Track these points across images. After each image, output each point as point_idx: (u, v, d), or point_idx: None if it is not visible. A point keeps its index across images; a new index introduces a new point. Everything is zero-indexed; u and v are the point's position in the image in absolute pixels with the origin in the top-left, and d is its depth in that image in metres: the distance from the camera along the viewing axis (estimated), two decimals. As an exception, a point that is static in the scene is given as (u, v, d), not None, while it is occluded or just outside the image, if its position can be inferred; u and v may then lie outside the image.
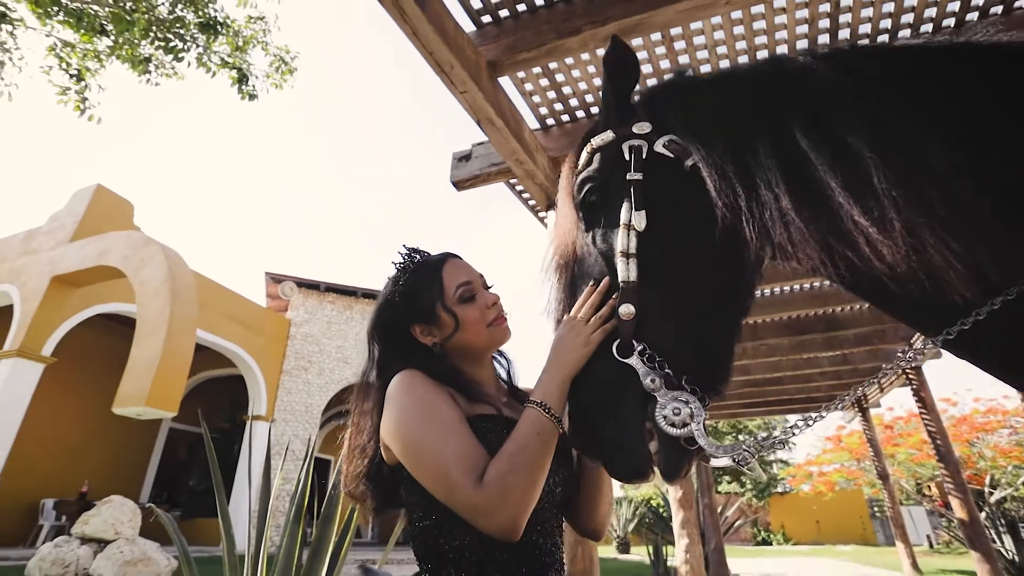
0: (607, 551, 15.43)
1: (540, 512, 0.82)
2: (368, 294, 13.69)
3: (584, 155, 0.87)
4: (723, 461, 0.64)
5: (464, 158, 5.00)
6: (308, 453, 2.21)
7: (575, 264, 0.84)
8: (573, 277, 0.84)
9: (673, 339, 0.71)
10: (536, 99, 4.36)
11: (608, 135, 0.85)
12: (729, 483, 25.48)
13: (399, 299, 0.96)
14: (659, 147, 0.78)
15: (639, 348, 0.71)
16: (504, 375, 1.03)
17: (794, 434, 0.66)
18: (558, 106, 4.43)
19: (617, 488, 21.59)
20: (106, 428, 10.77)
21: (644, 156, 0.78)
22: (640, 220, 0.74)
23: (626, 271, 0.74)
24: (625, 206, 0.76)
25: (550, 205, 4.50)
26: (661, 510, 10.19)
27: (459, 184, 4.93)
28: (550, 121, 4.56)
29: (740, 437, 27.63)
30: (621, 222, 0.75)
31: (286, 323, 12.45)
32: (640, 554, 12.21)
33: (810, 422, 0.67)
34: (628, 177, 0.78)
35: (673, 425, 0.66)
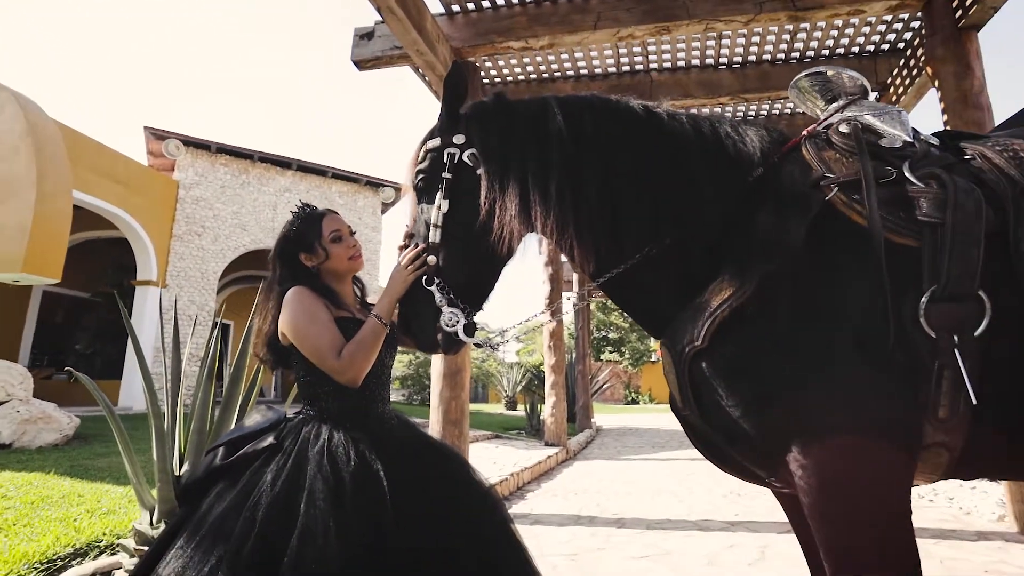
0: (496, 408, 17.55)
1: (376, 372, 1.34)
2: (265, 158, 12.90)
3: (422, 152, 1.25)
4: (477, 346, 1.19)
5: (366, 36, 4.82)
6: (216, 321, 2.56)
7: (413, 225, 1.26)
8: (411, 234, 1.27)
9: (455, 278, 1.18)
10: (441, -16, 4.25)
11: (436, 141, 1.22)
12: (611, 353, 28.85)
13: (292, 235, 1.41)
14: (465, 156, 1.17)
15: (437, 282, 1.18)
16: (359, 294, 1.53)
17: (516, 337, 1.17)
18: (464, -7, 4.35)
19: (513, 356, 23.80)
20: (-32, 288, 9.97)
21: (455, 161, 1.18)
22: (444, 205, 1.17)
23: (434, 236, 1.18)
24: (439, 194, 1.17)
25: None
26: (543, 374, 11.64)
27: (361, 64, 4.81)
28: (455, 8, 4.49)
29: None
30: (435, 205, 1.17)
31: (173, 184, 11.60)
32: (523, 410, 14.11)
33: (520, 325, 1.22)
34: (443, 175, 1.18)
35: (447, 325, 1.16)
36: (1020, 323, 0.86)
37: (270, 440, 1.20)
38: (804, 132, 1.10)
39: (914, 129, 1.06)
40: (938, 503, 4.08)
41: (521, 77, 5.60)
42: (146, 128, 11.66)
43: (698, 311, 0.98)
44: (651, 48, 5.24)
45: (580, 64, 5.44)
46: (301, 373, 1.32)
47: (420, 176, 1.22)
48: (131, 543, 2.41)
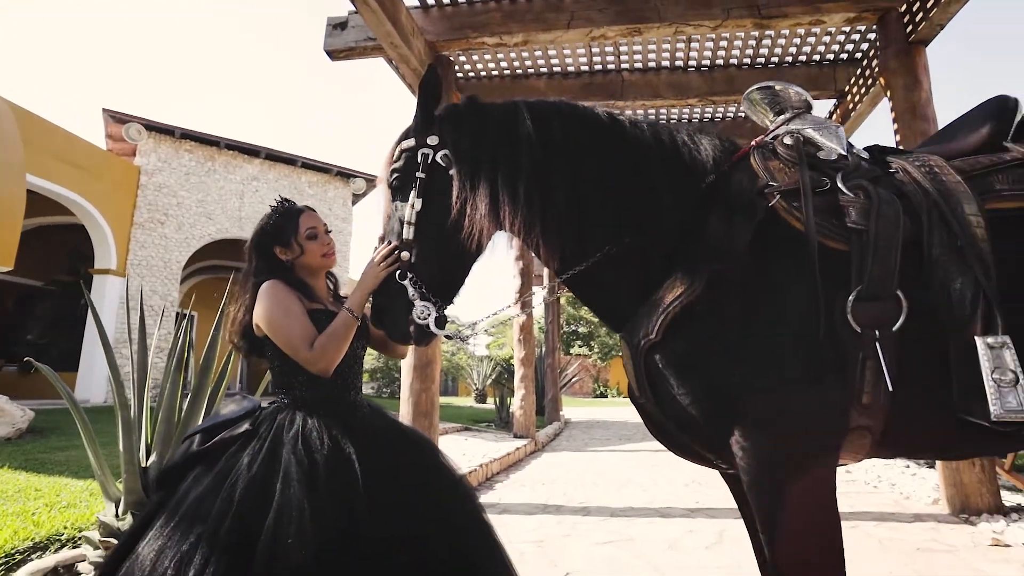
0: (467, 401, 17.60)
1: (349, 361, 1.39)
2: (232, 145, 12.57)
3: (396, 152, 1.29)
4: (448, 338, 1.25)
5: (340, 26, 4.77)
6: (185, 313, 2.55)
7: (387, 222, 1.31)
8: (385, 230, 1.31)
9: (427, 273, 1.23)
10: (417, -23, 4.25)
11: (411, 142, 1.27)
12: (580, 347, 29.19)
13: (269, 228, 1.45)
14: (438, 158, 1.22)
15: (410, 276, 1.23)
16: (332, 287, 1.58)
17: (485, 330, 1.24)
18: (439, -13, 4.36)
19: (483, 349, 23.84)
20: (-90, 274, 9.47)
21: (429, 162, 1.23)
22: (418, 203, 1.21)
23: (407, 232, 1.23)
24: (413, 192, 1.22)
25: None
26: (513, 368, 11.74)
27: (333, 54, 4.77)
28: (431, 1, 4.50)
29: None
30: (408, 202, 1.22)
31: (135, 170, 11.21)
32: (492, 403, 14.21)
33: (490, 317, 1.28)
34: (417, 174, 1.23)
35: (419, 318, 1.21)
36: (930, 319, 0.97)
37: (246, 427, 1.23)
38: (753, 142, 1.20)
39: (848, 143, 1.16)
40: (882, 489, 4.34)
41: (495, 73, 5.63)
42: (105, 111, 11.24)
43: (653, 307, 1.07)
44: (623, 49, 5.35)
45: (554, 62, 5.51)
46: (275, 363, 1.37)
47: (395, 175, 1.27)
48: (95, 535, 2.38)
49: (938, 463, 3.58)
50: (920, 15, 3.78)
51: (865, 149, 1.18)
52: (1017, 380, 0.85)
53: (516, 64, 5.52)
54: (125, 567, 1.05)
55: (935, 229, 0.98)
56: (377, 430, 1.34)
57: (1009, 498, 3.60)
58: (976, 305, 0.92)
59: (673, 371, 1.05)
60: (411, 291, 1.21)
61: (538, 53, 5.34)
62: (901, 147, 4.29)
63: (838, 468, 1.02)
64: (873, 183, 1.05)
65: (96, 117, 11.78)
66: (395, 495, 1.20)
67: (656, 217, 1.13)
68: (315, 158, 13.85)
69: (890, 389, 0.94)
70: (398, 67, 4.84)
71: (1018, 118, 1.12)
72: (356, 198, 14.83)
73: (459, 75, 5.55)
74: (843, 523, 3.25)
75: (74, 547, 2.51)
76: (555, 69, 5.63)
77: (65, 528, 2.66)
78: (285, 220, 1.45)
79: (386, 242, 1.28)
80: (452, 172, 1.19)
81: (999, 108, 1.13)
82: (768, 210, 1.06)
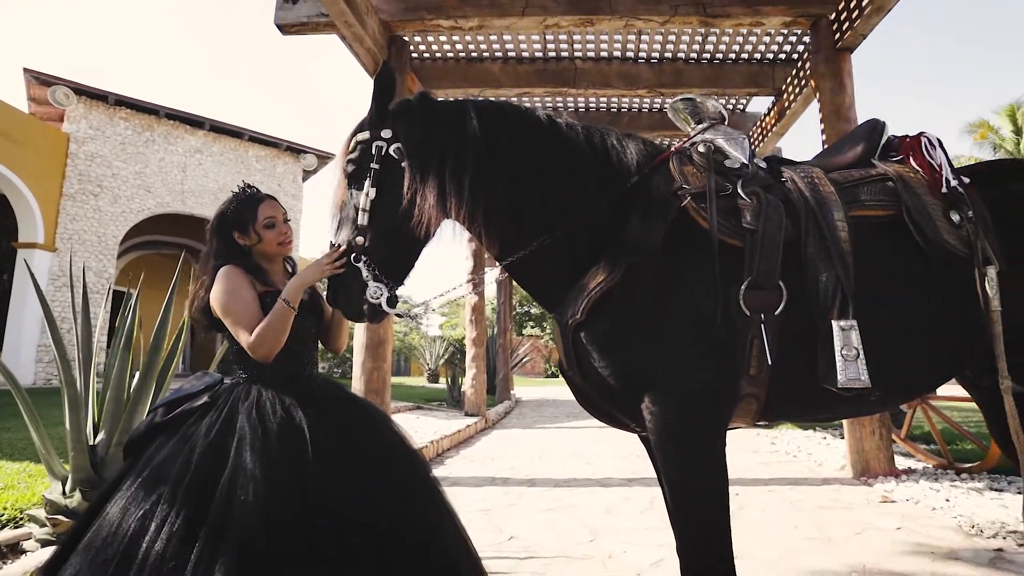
0: (419, 381, 17.68)
1: (303, 338, 1.48)
2: (173, 115, 11.95)
3: (352, 143, 1.38)
4: (399, 316, 1.37)
5: (291, -1, 4.65)
6: (132, 292, 2.54)
7: (341, 208, 1.40)
8: (340, 216, 1.40)
9: (379, 256, 1.33)
10: (371, -43, 4.20)
11: (366, 134, 1.36)
12: (533, 328, 29.64)
13: (229, 214, 1.51)
14: (391, 150, 1.32)
15: (364, 259, 1.32)
16: (290, 270, 1.65)
17: (434, 309, 1.38)
18: (395, -32, 4.33)
19: (436, 330, 23.87)
20: None
21: (383, 154, 1.32)
22: (372, 192, 1.31)
23: (362, 218, 1.32)
24: (367, 182, 1.32)
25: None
26: (466, 348, 11.88)
27: (284, 28, 4.67)
28: (386, -19, 4.46)
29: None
30: (363, 191, 1.32)
31: (63, 137, 10.49)
32: (444, 383, 14.35)
33: (440, 297, 1.42)
34: (371, 165, 1.32)
35: (372, 297, 1.31)
36: (804, 306, 1.17)
37: (205, 399, 1.32)
38: (673, 148, 1.36)
39: (751, 152, 1.34)
40: (800, 457, 4.79)
41: (451, 55, 5.64)
42: (27, 71, 10.39)
43: (579, 291, 1.22)
44: (576, 38, 5.47)
45: (508, 47, 5.57)
46: (233, 341, 1.44)
47: (350, 165, 1.36)
48: (40, 513, 2.38)
49: (846, 434, 3.99)
50: (847, 24, 4.08)
51: (764, 159, 1.37)
52: (858, 355, 1.07)
53: (472, 47, 5.55)
54: (94, 525, 1.13)
55: (810, 231, 1.18)
56: (333, 402, 1.44)
57: (902, 462, 4.08)
58: (836, 295, 1.13)
59: (595, 347, 1.21)
60: (365, 273, 1.31)
61: (493, 38, 5.39)
62: (826, 146, 4.61)
63: (745, 431, 1.22)
64: (765, 190, 1.24)
65: (16, 77, 10.90)
66: (351, 464, 1.30)
67: (586, 214, 1.28)
68: (263, 132, 13.35)
69: (769, 363, 1.14)
70: (351, 45, 4.78)
71: (884, 138, 1.34)
72: (307, 174, 14.42)
73: (414, 56, 5.53)
74: (763, 487, 3.58)
75: (16, 527, 2.49)
76: (510, 54, 5.70)
77: (5, 509, 2.63)
78: (245, 207, 1.51)
79: (335, 247, 1.37)
80: (404, 164, 1.30)
81: (870, 130, 1.34)
82: (680, 210, 1.23)
